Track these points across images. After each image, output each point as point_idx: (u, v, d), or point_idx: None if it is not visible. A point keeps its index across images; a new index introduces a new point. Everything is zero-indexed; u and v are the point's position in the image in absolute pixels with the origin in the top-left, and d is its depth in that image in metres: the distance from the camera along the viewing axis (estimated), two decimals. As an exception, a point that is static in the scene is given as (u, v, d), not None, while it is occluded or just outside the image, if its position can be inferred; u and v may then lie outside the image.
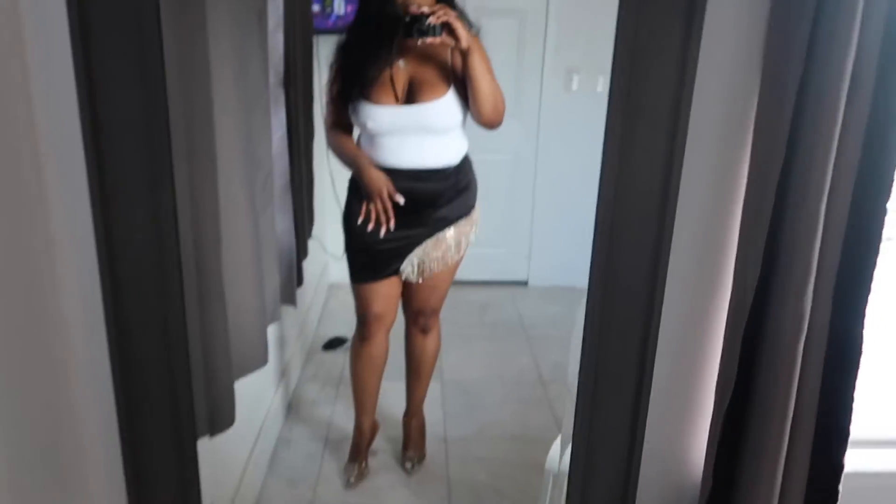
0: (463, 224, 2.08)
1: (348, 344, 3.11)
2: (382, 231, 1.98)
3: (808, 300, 0.85)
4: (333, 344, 3.13)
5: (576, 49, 3.48)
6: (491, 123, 1.95)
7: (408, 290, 2.19)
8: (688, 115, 0.88)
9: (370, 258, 2.09)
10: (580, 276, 3.98)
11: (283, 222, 2.22)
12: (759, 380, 0.92)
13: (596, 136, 3.75)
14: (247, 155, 1.70)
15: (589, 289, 1.01)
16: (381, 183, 1.95)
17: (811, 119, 0.82)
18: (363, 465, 2.30)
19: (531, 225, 3.79)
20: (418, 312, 2.23)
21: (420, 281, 2.11)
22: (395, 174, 1.97)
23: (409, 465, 2.32)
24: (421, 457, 2.36)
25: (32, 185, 0.79)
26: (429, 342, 2.29)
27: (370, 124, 1.95)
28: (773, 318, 0.88)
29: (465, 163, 2.08)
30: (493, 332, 3.36)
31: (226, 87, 1.51)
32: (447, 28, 1.79)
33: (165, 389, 1.02)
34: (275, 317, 2.09)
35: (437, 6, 1.82)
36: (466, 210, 2.09)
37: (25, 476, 0.92)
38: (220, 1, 1.45)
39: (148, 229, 0.91)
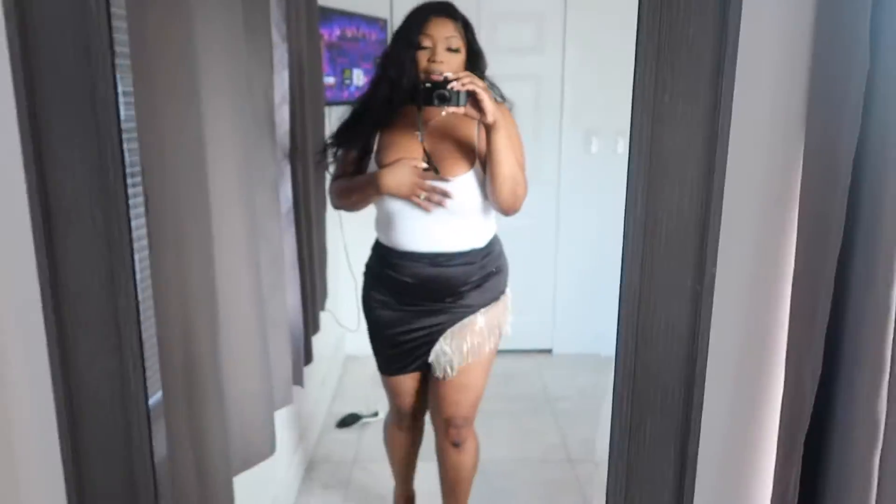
0: (493, 310, 1.89)
1: (363, 421, 2.96)
2: (446, 201, 1.73)
3: (883, 404, 0.70)
4: (348, 421, 2.98)
5: (593, 111, 3.42)
6: (507, 209, 1.76)
7: (435, 392, 1.95)
8: (722, 182, 0.77)
9: (393, 350, 1.93)
10: (607, 344, 3.82)
11: (291, 299, 2.12)
12: (825, 499, 0.77)
13: (618, 197, 3.65)
14: (251, 236, 1.61)
15: (616, 363, 0.88)
16: (406, 168, 1.73)
17: (870, 189, 0.70)
18: None
19: (554, 290, 3.66)
20: (448, 422, 1.93)
21: (450, 376, 1.89)
22: (413, 258, 1.80)
23: None
24: None
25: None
26: (463, 458, 1.98)
27: (384, 200, 1.79)
28: (841, 425, 0.74)
29: (494, 245, 1.89)
30: (517, 406, 3.18)
31: (224, 164, 1.44)
32: (472, 98, 1.61)
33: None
34: (286, 400, 1.96)
35: (463, 73, 1.65)
36: (496, 295, 1.89)
37: None
38: (218, 73, 1.40)
39: (109, 333, 0.80)
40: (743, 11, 0.73)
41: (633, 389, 0.83)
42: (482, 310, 1.86)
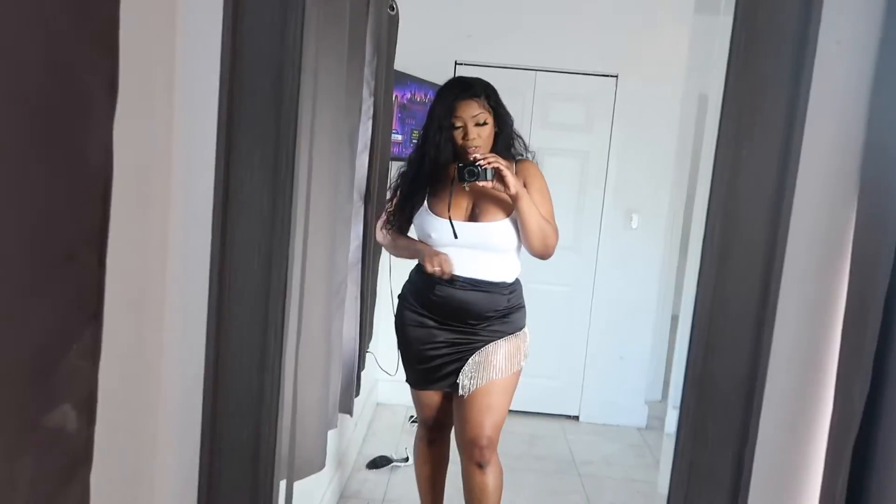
0: (514, 341, 2.11)
1: (394, 464, 3.03)
2: (442, 272, 2.02)
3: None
4: (378, 463, 3.04)
5: (636, 190, 3.60)
6: (540, 256, 2.05)
7: (460, 413, 2.12)
8: (787, 229, 0.91)
9: (423, 365, 2.14)
10: (632, 416, 3.89)
11: (349, 330, 2.26)
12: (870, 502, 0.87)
13: (652, 273, 3.82)
14: (328, 260, 1.78)
15: (681, 402, 0.99)
16: (436, 252, 2.05)
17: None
18: None
19: (585, 358, 3.74)
20: (473, 442, 2.10)
21: (469, 392, 2.07)
22: (452, 282, 2.05)
23: None
24: None
25: (156, 260, 0.85)
26: (489, 479, 2.13)
27: (434, 235, 2.06)
28: (885, 435, 0.85)
29: (518, 285, 2.15)
30: (542, 466, 3.22)
31: (319, 197, 1.62)
32: (497, 174, 1.93)
33: (249, 472, 1.02)
34: (333, 423, 2.07)
35: (490, 154, 1.97)
36: (517, 328, 2.13)
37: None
38: (324, 114, 1.59)
39: (259, 306, 0.95)
40: (811, 88, 0.90)
41: (699, 396, 0.95)
42: (504, 338, 2.09)
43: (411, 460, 2.71)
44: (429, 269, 2.02)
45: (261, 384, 0.96)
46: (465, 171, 1.95)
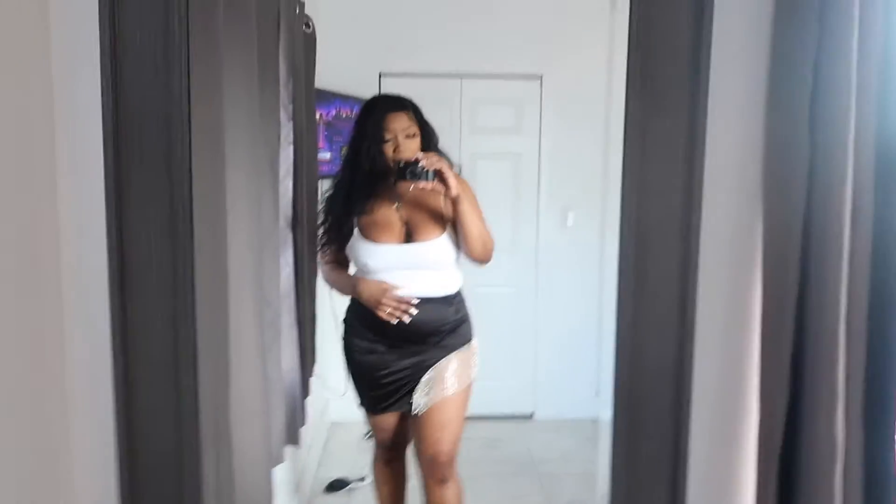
0: (464, 353, 2.10)
1: (352, 485, 2.98)
2: (406, 317, 1.98)
3: (840, 424, 0.83)
4: (336, 486, 2.99)
5: (569, 188, 3.64)
6: (481, 260, 2.05)
7: (418, 432, 2.13)
8: (697, 243, 0.92)
9: (378, 391, 2.11)
10: (586, 408, 3.91)
11: (288, 360, 2.20)
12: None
13: (591, 267, 3.86)
14: (256, 293, 1.72)
15: (613, 421, 0.99)
16: (380, 287, 2.01)
17: (818, 251, 0.85)
18: None
19: (535, 356, 3.77)
20: (432, 461, 2.13)
21: (421, 410, 2.07)
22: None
23: None
24: None
25: (53, 327, 0.80)
26: (449, 494, 2.18)
27: (371, 262, 2.03)
28: (806, 446, 0.87)
29: (462, 296, 2.15)
30: (501, 470, 3.23)
31: (240, 229, 1.56)
32: (439, 175, 1.89)
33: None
34: (279, 459, 2.02)
35: (430, 154, 1.95)
36: (466, 340, 2.12)
37: None
38: (238, 147, 1.54)
39: (167, 366, 0.90)
40: (710, 103, 0.90)
41: (628, 418, 0.94)
42: (455, 352, 2.08)
43: (368, 479, 2.69)
44: (384, 316, 1.99)
45: (179, 449, 0.91)
46: (408, 171, 1.90)
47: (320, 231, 2.19)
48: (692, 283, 0.94)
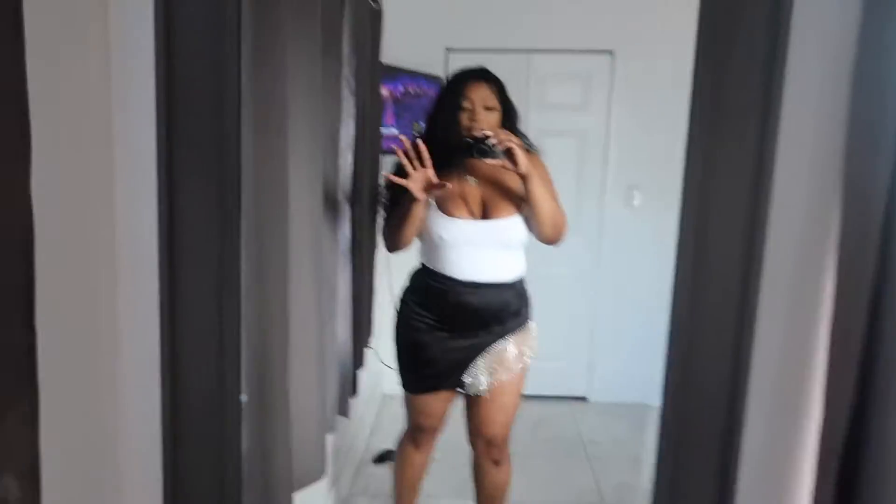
0: (522, 336, 2.07)
1: (401, 458, 3.03)
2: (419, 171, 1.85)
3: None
4: (385, 457, 3.05)
5: (636, 167, 3.54)
6: (551, 241, 2.01)
7: (476, 413, 2.13)
8: (763, 230, 0.87)
9: (429, 370, 2.08)
10: (641, 393, 3.84)
11: (343, 332, 2.24)
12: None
13: (657, 250, 3.74)
14: (316, 266, 1.75)
15: (662, 407, 0.96)
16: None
17: None
18: None
19: (591, 339, 3.72)
20: (490, 441, 2.15)
21: (486, 394, 2.06)
22: (466, 285, 1.99)
23: None
24: None
25: (105, 285, 0.83)
26: (502, 475, 2.22)
27: (445, 235, 1.98)
28: (873, 448, 0.82)
29: (524, 279, 2.11)
30: (550, 449, 3.22)
31: (300, 202, 1.59)
32: (508, 153, 1.85)
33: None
34: (332, 427, 2.07)
35: (501, 130, 1.90)
36: (524, 321, 2.09)
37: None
38: (300, 120, 1.56)
39: (212, 338, 0.93)
40: (787, 74, 0.85)
41: (677, 403, 0.91)
42: (512, 335, 2.05)
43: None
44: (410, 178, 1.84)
45: (221, 422, 0.94)
46: (476, 147, 1.86)
47: (383, 198, 2.12)
48: (755, 272, 0.89)
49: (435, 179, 1.86)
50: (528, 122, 3.53)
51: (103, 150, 0.80)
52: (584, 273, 3.67)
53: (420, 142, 1.86)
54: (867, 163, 0.85)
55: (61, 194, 0.75)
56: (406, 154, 1.86)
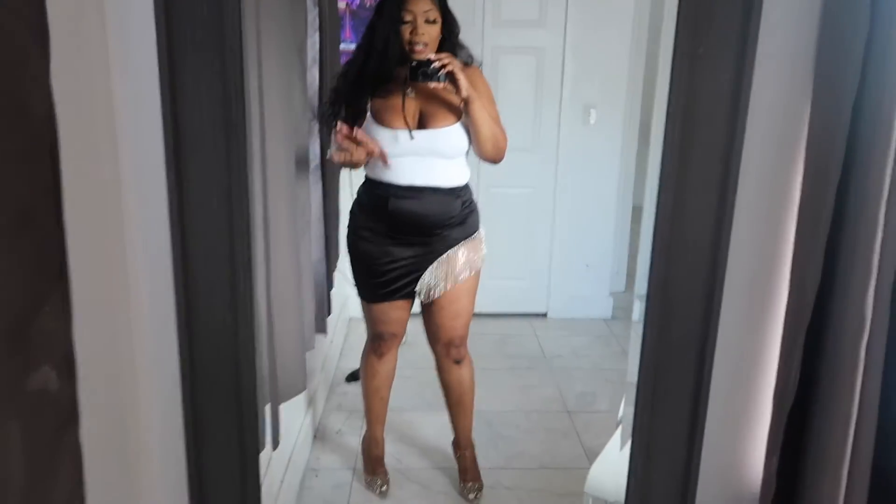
0: (471, 244, 2.14)
1: (372, 376, 3.12)
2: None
3: (870, 302, 0.87)
4: (356, 375, 3.12)
5: (593, 85, 3.56)
6: (492, 160, 2.06)
7: (433, 320, 2.22)
8: (744, 122, 0.92)
9: (380, 279, 2.13)
10: (599, 308, 3.98)
11: (316, 252, 2.26)
12: (820, 384, 0.94)
13: (613, 167, 3.82)
14: (292, 184, 1.75)
15: (647, 296, 1.03)
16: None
17: (868, 129, 0.86)
18: (386, 474, 2.40)
19: (550, 257, 3.82)
20: (449, 343, 2.24)
21: (436, 298, 2.13)
22: (407, 191, 2.02)
23: (472, 496, 2.33)
24: (481, 486, 2.36)
25: (111, 181, 0.83)
26: (464, 372, 2.31)
27: (383, 146, 1.99)
28: (835, 321, 0.90)
29: (469, 189, 2.16)
30: (514, 363, 3.36)
31: (274, 117, 1.57)
32: (450, 77, 1.87)
33: (233, 404, 1.04)
34: (310, 344, 2.11)
35: (443, 53, 1.92)
36: (472, 231, 2.15)
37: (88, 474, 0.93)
38: (271, 37, 1.52)
39: (223, 243, 0.94)
40: None
41: (662, 298, 0.98)
42: (462, 243, 2.12)
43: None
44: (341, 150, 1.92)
45: (234, 321, 0.96)
46: (419, 71, 1.88)
47: (326, 108, 2.13)
48: (735, 165, 0.95)
49: (376, 151, 1.94)
50: (484, 39, 3.50)
51: (97, 31, 0.78)
52: (541, 191, 3.73)
53: (357, 129, 1.93)
54: (836, 67, 0.91)
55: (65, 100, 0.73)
56: (347, 138, 1.90)
